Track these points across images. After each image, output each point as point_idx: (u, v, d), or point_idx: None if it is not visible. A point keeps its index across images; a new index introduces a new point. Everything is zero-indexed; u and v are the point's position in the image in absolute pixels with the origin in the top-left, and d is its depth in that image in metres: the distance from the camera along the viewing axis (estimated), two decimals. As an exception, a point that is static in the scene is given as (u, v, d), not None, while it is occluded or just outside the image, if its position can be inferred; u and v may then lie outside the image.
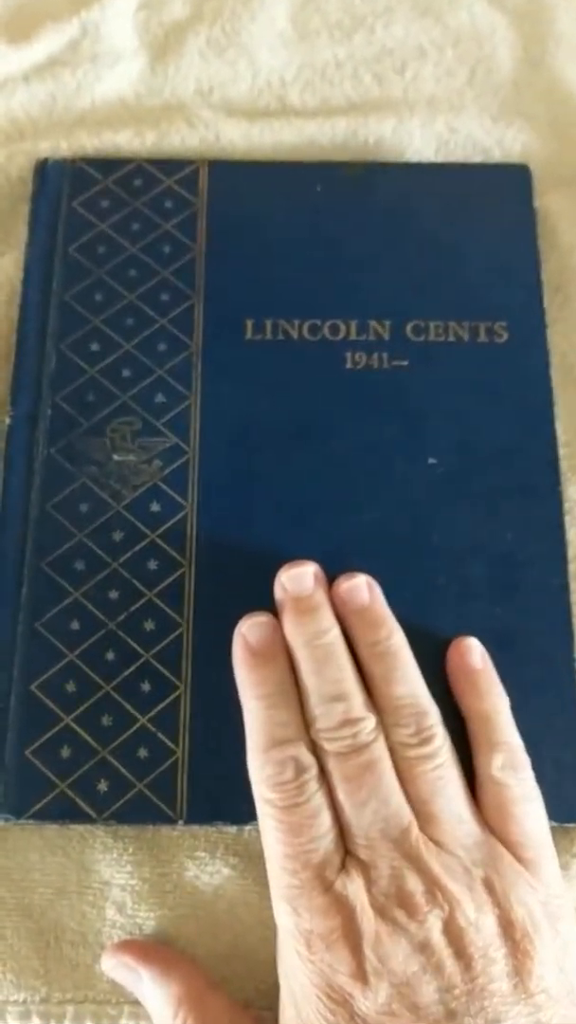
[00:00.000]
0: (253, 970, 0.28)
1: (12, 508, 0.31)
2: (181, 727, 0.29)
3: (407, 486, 0.31)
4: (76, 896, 0.28)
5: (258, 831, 0.28)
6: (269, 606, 0.29)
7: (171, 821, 0.28)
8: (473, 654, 0.29)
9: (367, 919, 0.24)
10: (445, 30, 0.40)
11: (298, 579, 0.29)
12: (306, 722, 0.27)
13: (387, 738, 0.26)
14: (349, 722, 0.26)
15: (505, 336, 0.33)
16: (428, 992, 0.23)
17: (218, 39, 0.39)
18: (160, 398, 0.32)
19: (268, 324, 0.33)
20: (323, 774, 0.26)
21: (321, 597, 0.28)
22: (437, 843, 0.25)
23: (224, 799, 0.28)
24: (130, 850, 0.29)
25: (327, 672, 0.27)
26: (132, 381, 0.32)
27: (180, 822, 0.28)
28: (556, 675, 0.30)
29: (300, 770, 0.26)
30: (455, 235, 0.35)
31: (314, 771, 0.26)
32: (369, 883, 0.24)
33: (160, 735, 0.28)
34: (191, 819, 0.28)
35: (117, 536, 0.30)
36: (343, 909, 0.24)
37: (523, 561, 0.31)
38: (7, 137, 0.37)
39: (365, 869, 0.24)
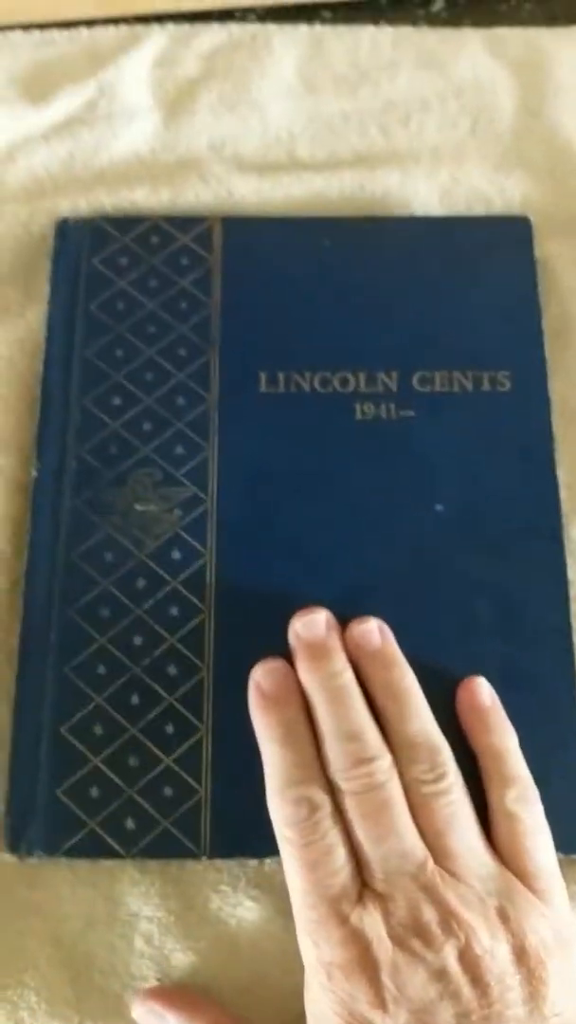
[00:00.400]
0: (276, 999, 0.29)
1: (39, 557, 0.33)
2: (204, 767, 0.30)
3: (415, 531, 0.33)
4: (106, 928, 0.30)
5: (278, 864, 0.29)
6: (286, 648, 0.31)
7: (195, 856, 0.29)
8: (482, 693, 0.30)
9: (384, 949, 0.25)
10: (447, 82, 0.41)
11: (311, 625, 0.30)
12: (323, 762, 0.28)
13: (400, 775, 0.28)
14: (364, 761, 0.27)
15: (508, 385, 0.35)
16: (446, 1018, 0.24)
17: (229, 95, 0.41)
18: (179, 450, 0.34)
19: (281, 377, 0.35)
20: (338, 811, 0.27)
21: (334, 641, 0.30)
22: (452, 875, 0.26)
23: (245, 834, 0.29)
24: (157, 884, 0.30)
25: (341, 712, 0.28)
26: (152, 434, 0.34)
27: (204, 857, 0.29)
28: (560, 710, 0.31)
29: (313, 808, 0.27)
30: (459, 287, 0.36)
31: (327, 808, 0.27)
32: (386, 915, 0.26)
33: (184, 775, 0.30)
34: (214, 854, 0.29)
35: (140, 584, 0.32)
36: (360, 940, 0.25)
37: (527, 601, 0.32)
38: (28, 195, 0.39)
39: (382, 901, 0.26)
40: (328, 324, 0.35)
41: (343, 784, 0.27)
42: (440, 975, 0.25)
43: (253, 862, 0.30)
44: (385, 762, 0.28)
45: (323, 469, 0.33)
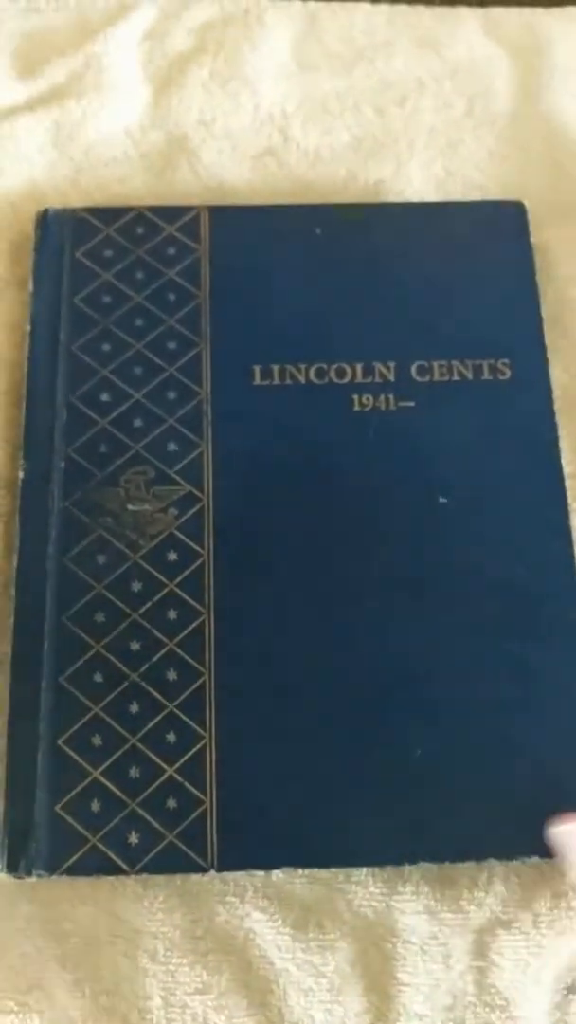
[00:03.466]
0: (286, 1014, 0.28)
1: (29, 562, 0.31)
2: (208, 776, 0.29)
3: (419, 525, 0.32)
4: (108, 945, 0.29)
5: (286, 874, 0.28)
6: (290, 648, 0.30)
7: (203, 870, 0.28)
8: None
9: None
10: (444, 63, 0.40)
11: None
12: None
13: None
14: None
15: (508, 373, 0.34)
16: None
17: (220, 71, 0.40)
18: (172, 446, 0.32)
19: (275, 369, 0.33)
20: None
21: None
22: None
23: (255, 845, 0.28)
24: (160, 898, 0.29)
25: None
26: (143, 431, 0.33)
27: (212, 871, 0.28)
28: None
29: None
30: (455, 274, 0.35)
31: None
32: None
33: (188, 785, 0.29)
34: (223, 867, 0.28)
35: (136, 587, 0.31)
36: None
37: (538, 596, 0.31)
38: (16, 174, 0.37)
39: None
40: (321, 314, 0.34)
41: None
42: None
43: (260, 871, 0.29)
44: None
45: (321, 462, 0.32)
